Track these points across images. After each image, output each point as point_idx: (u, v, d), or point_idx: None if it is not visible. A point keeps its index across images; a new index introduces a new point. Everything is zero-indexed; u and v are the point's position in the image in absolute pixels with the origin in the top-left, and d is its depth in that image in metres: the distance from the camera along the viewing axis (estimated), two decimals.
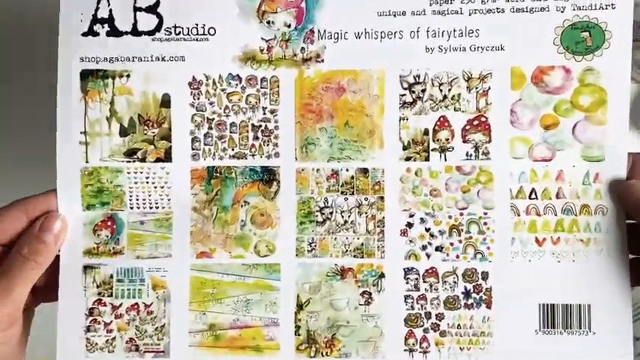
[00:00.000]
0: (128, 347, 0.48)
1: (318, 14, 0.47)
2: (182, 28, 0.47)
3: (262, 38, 0.47)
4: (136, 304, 0.48)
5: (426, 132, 0.47)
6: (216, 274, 0.48)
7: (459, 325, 0.47)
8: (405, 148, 0.47)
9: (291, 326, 0.48)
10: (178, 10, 0.47)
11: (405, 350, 0.47)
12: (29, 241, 0.45)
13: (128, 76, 0.48)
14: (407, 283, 0.47)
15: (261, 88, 0.48)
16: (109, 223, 0.48)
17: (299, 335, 0.48)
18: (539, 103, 0.46)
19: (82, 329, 0.48)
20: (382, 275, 0.48)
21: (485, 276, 0.47)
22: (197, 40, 0.47)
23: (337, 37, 0.47)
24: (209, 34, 0.47)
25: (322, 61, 0.47)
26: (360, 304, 0.48)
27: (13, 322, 0.45)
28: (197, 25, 0.47)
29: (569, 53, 0.46)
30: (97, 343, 0.48)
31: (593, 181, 0.46)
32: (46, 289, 0.48)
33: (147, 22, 0.47)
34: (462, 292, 0.47)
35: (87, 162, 0.48)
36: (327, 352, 0.47)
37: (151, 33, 0.48)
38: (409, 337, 0.47)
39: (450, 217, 0.47)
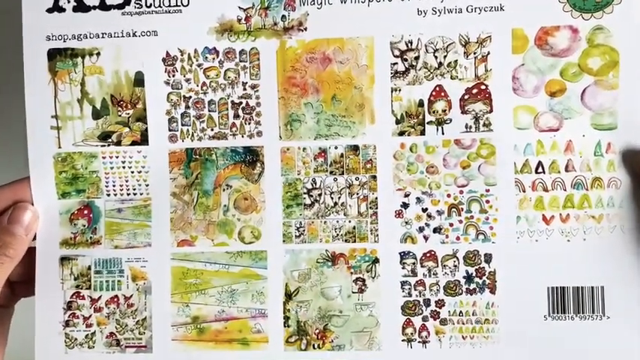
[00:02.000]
0: (109, 342, 0.46)
1: None
2: (153, 0, 0.45)
3: (240, 7, 0.45)
4: (116, 296, 0.46)
5: (421, 103, 0.44)
6: (199, 263, 0.46)
7: (460, 312, 0.45)
8: (398, 122, 0.45)
9: (280, 317, 0.45)
10: None
11: (402, 340, 0.45)
12: None
13: (98, 54, 0.45)
14: (403, 268, 0.45)
15: (240, 61, 0.45)
16: (86, 212, 0.46)
17: (288, 327, 0.45)
18: (543, 67, 0.44)
19: (60, 324, 0.46)
20: (376, 260, 0.45)
21: (488, 258, 0.44)
22: (169, 12, 0.45)
23: (321, 3, 0.44)
24: (182, 4, 0.45)
25: (305, 29, 0.45)
26: (353, 292, 0.45)
27: None
28: None
29: (575, 11, 0.43)
30: (76, 339, 0.46)
31: (605, 152, 0.44)
32: (25, 284, 0.46)
33: None
34: (464, 277, 0.45)
35: (60, 147, 0.46)
36: (319, 345, 0.45)
37: (120, 7, 0.45)
38: (407, 326, 0.45)
39: (448, 195, 0.45)
